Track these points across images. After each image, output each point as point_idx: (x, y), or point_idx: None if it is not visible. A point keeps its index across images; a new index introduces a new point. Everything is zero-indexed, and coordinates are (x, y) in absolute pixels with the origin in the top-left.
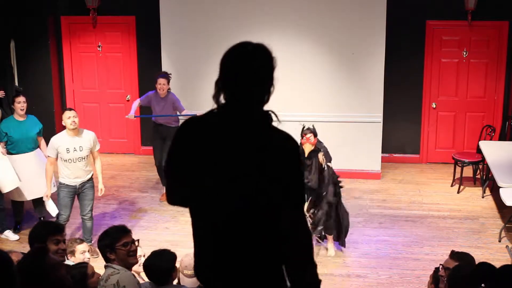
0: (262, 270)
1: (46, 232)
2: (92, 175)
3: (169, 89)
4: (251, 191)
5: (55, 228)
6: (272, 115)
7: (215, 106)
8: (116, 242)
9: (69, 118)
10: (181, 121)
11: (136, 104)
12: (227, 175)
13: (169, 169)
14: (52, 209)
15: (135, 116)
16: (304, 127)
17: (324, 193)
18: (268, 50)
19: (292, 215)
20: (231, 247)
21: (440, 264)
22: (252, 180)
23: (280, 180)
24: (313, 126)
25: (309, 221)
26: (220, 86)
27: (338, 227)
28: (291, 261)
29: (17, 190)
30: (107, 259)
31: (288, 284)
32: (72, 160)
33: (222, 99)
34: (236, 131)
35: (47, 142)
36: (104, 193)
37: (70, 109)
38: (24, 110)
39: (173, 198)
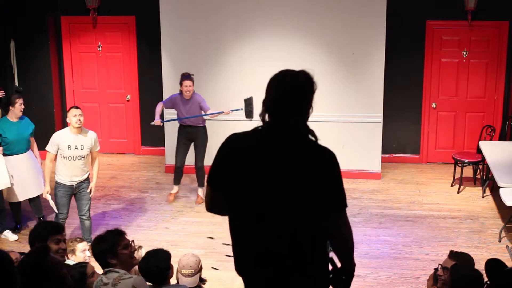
0: (309, 264)
1: (46, 231)
2: (89, 175)
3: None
4: (286, 203)
5: (56, 228)
6: (312, 132)
7: (212, 104)
8: (117, 246)
9: (75, 116)
10: (207, 121)
11: (159, 108)
12: (266, 190)
13: (211, 178)
14: (53, 205)
15: (162, 122)
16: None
17: None
18: (307, 76)
19: (337, 218)
20: (270, 249)
21: (439, 264)
22: (288, 194)
23: (322, 190)
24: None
25: None
26: (265, 106)
27: None
28: (336, 253)
29: (11, 191)
30: (106, 264)
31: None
32: (72, 158)
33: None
34: (274, 148)
35: (44, 141)
36: (104, 193)
37: (77, 107)
38: (22, 111)
39: (212, 207)
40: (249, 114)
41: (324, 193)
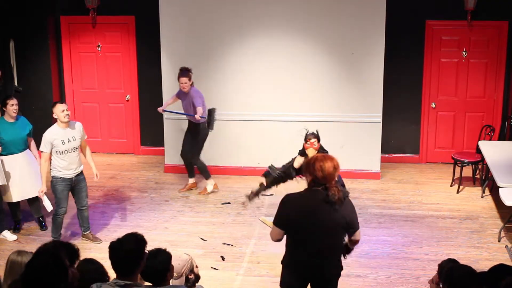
0: (333, 262)
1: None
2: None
3: (192, 83)
4: (327, 234)
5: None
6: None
7: (212, 104)
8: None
9: (62, 111)
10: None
11: (171, 98)
12: (312, 227)
13: (277, 222)
14: (47, 204)
15: (163, 110)
16: (307, 132)
17: None
18: (337, 161)
19: (356, 233)
20: (316, 256)
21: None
22: (335, 227)
23: (349, 222)
24: (316, 131)
25: None
26: (313, 178)
27: None
28: (350, 244)
29: (8, 191)
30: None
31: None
32: (68, 151)
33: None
34: (316, 202)
35: (39, 140)
36: (104, 193)
37: (62, 102)
38: (16, 112)
39: (277, 239)
40: (209, 125)
41: (350, 223)
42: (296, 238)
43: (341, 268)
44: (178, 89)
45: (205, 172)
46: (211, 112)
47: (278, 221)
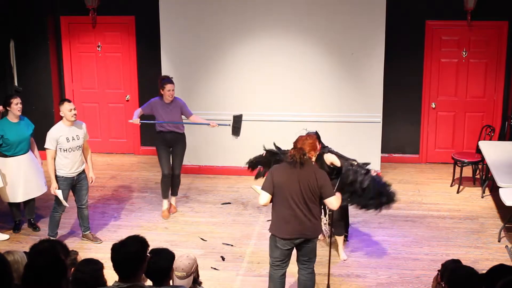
0: (314, 223)
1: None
2: (85, 166)
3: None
4: (308, 194)
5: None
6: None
7: (212, 105)
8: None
9: (70, 110)
10: (188, 127)
11: (138, 112)
12: (296, 187)
13: (265, 188)
14: (64, 201)
15: (140, 122)
16: (307, 133)
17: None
18: (317, 133)
19: (332, 199)
20: (299, 214)
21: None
22: (309, 189)
23: (323, 187)
24: (316, 132)
25: (325, 223)
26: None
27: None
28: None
29: (11, 191)
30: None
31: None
32: (72, 149)
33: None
34: (297, 168)
35: (44, 140)
36: (104, 193)
37: (69, 101)
38: (21, 111)
39: (263, 202)
40: (236, 131)
41: (320, 186)
42: (279, 198)
43: (320, 231)
44: (147, 102)
45: (177, 188)
46: (239, 118)
47: (265, 187)
